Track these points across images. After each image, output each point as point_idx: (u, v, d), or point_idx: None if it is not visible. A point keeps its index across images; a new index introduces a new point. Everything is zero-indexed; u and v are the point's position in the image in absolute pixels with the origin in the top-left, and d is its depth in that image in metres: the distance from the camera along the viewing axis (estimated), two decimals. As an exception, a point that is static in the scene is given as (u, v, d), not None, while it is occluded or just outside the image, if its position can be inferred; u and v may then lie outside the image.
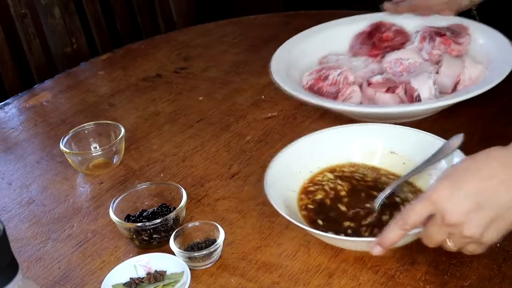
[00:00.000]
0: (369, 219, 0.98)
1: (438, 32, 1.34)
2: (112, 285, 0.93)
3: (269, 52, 1.41)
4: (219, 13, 2.44)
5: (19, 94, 1.55)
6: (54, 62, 1.90)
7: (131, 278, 0.94)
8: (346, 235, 0.95)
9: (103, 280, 0.93)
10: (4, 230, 0.62)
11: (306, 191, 1.05)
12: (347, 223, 0.98)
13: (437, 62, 1.30)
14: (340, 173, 1.07)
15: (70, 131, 1.25)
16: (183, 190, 1.05)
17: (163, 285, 0.92)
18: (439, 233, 0.82)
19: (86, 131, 1.26)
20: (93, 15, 1.95)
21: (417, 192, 1.01)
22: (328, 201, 1.03)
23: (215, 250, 0.96)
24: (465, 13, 1.41)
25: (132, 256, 0.98)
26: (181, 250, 0.96)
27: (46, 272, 1.01)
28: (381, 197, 0.99)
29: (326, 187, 1.05)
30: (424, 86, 1.21)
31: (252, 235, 1.02)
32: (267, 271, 0.95)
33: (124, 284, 0.93)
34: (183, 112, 1.39)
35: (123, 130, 1.23)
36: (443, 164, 1.00)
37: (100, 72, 1.61)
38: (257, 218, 1.06)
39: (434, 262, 0.92)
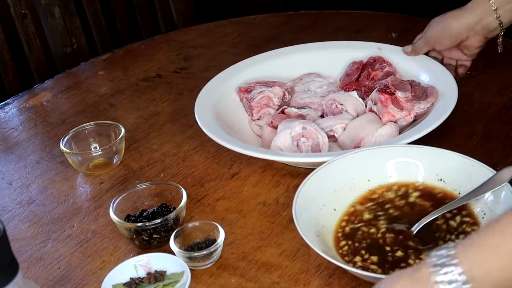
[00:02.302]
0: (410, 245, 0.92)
1: (386, 88, 1.18)
2: (112, 285, 0.93)
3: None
4: (219, 13, 2.44)
5: (19, 94, 1.55)
6: (54, 62, 1.90)
7: (131, 278, 0.94)
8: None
9: (103, 280, 0.93)
10: (4, 230, 0.62)
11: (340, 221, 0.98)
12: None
13: None
14: (377, 197, 1.01)
15: (70, 131, 1.25)
16: (183, 190, 1.05)
17: (163, 285, 0.92)
18: None
19: (86, 131, 1.26)
20: (93, 15, 1.95)
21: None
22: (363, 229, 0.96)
23: (215, 250, 0.96)
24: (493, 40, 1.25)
25: (132, 256, 0.98)
26: (181, 250, 0.96)
27: (46, 272, 1.01)
28: (421, 224, 0.93)
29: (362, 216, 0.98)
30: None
31: (252, 235, 1.02)
32: (267, 271, 0.95)
33: (124, 284, 0.94)
34: (183, 112, 1.38)
35: (123, 130, 1.23)
36: (488, 196, 0.93)
37: (100, 72, 1.61)
38: (257, 218, 1.06)
39: (434, 262, 0.92)
